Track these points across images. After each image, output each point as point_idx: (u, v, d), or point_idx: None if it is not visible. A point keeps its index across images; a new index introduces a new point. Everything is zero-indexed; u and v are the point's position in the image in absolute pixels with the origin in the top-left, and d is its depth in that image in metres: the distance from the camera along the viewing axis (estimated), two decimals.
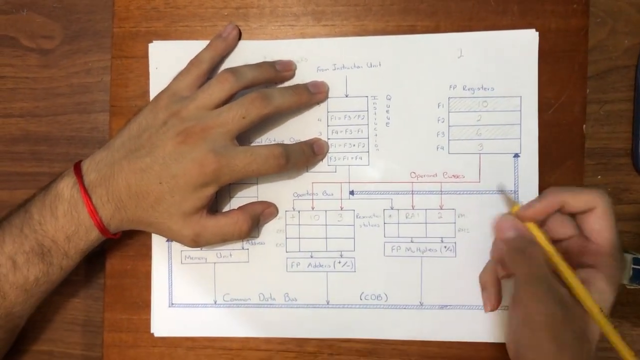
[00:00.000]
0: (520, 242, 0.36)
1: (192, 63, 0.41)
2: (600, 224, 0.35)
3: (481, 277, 0.40)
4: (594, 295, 0.34)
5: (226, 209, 0.43)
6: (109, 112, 0.44)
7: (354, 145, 0.43)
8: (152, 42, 0.44)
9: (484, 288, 0.39)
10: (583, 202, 0.36)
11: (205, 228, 0.39)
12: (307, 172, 0.43)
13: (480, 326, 0.42)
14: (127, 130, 0.39)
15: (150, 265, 0.44)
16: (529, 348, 0.35)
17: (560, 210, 0.36)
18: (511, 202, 0.38)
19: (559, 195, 0.36)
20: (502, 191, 0.41)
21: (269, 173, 0.39)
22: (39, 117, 0.46)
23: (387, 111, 0.42)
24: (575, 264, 0.35)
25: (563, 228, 0.37)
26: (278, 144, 0.40)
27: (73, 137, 0.46)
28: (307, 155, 0.42)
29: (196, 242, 0.40)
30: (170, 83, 0.41)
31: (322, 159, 0.43)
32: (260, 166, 0.38)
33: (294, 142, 0.42)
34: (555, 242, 0.36)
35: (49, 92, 0.46)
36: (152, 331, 0.44)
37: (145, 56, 0.44)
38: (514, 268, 0.36)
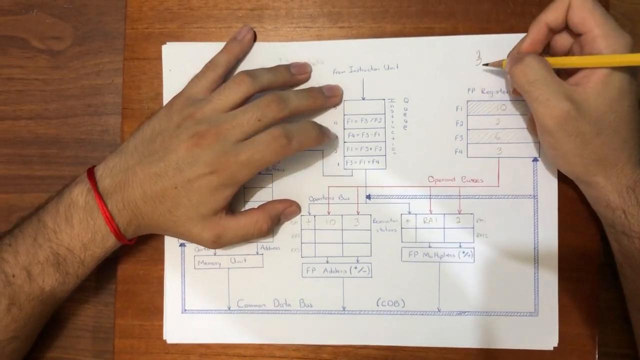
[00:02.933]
0: (514, 57, 0.37)
1: (207, 67, 0.40)
2: (579, 14, 0.35)
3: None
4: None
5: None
6: (120, 114, 0.43)
7: (370, 148, 0.42)
8: (165, 43, 0.43)
9: None
10: (558, 9, 0.36)
11: (225, 229, 0.39)
12: (323, 176, 0.42)
13: (500, 333, 0.41)
14: (141, 134, 0.39)
15: (162, 271, 0.43)
16: (557, 156, 0.37)
17: (555, 31, 0.38)
18: (499, 62, 0.39)
19: (539, 18, 0.37)
20: (487, 64, 0.41)
21: (275, 158, 0.37)
22: (48, 119, 0.45)
23: (404, 114, 0.42)
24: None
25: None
26: (276, 126, 0.38)
27: (83, 140, 0.45)
28: (311, 130, 0.39)
29: (217, 243, 0.39)
30: (186, 87, 0.40)
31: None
32: (264, 153, 0.37)
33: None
34: None
35: (59, 94, 0.45)
36: (164, 337, 0.43)
37: (158, 58, 0.43)
38: (518, 84, 0.36)
